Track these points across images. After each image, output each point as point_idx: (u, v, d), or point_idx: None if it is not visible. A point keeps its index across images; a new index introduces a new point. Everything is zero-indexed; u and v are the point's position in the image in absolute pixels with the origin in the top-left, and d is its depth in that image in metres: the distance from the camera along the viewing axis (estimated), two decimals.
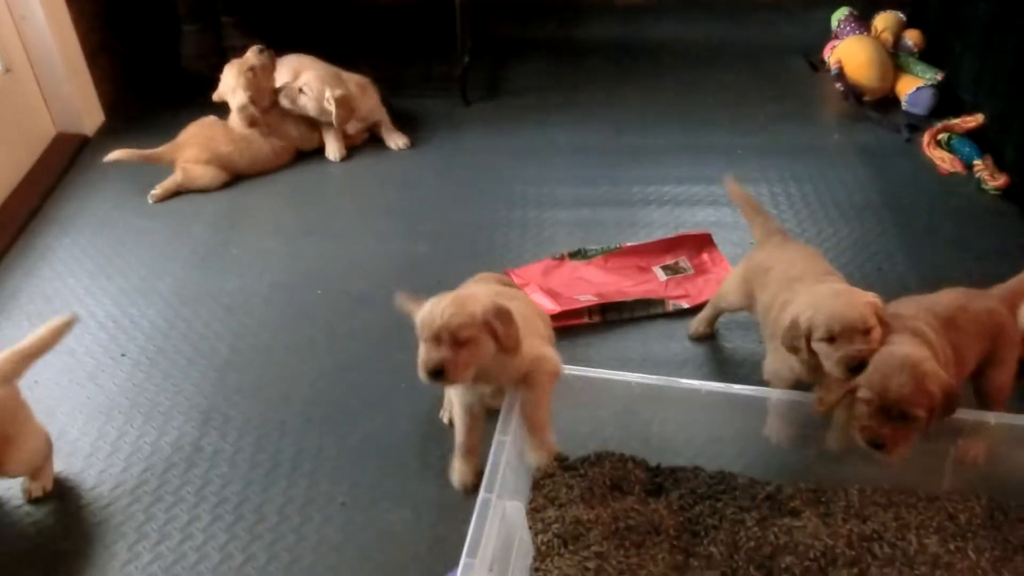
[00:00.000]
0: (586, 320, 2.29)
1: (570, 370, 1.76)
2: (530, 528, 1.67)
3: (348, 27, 3.73)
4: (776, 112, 3.21)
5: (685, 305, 2.31)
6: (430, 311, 1.60)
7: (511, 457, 1.60)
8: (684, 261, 2.47)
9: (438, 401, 2.05)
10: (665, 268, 2.45)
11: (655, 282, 2.41)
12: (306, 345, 2.26)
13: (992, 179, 2.75)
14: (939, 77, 3.15)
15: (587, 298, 2.32)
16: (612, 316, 2.30)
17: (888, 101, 3.23)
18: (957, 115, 2.98)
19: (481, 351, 1.60)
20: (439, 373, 1.58)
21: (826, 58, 3.43)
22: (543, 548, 1.63)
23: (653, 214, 2.67)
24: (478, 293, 1.70)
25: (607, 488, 1.74)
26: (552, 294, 2.34)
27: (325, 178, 2.94)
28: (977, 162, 2.82)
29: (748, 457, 1.81)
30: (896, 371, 1.55)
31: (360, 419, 2.05)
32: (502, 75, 3.48)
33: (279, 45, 3.04)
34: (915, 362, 1.56)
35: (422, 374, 1.60)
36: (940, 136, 2.96)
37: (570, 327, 2.26)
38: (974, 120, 2.93)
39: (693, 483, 1.75)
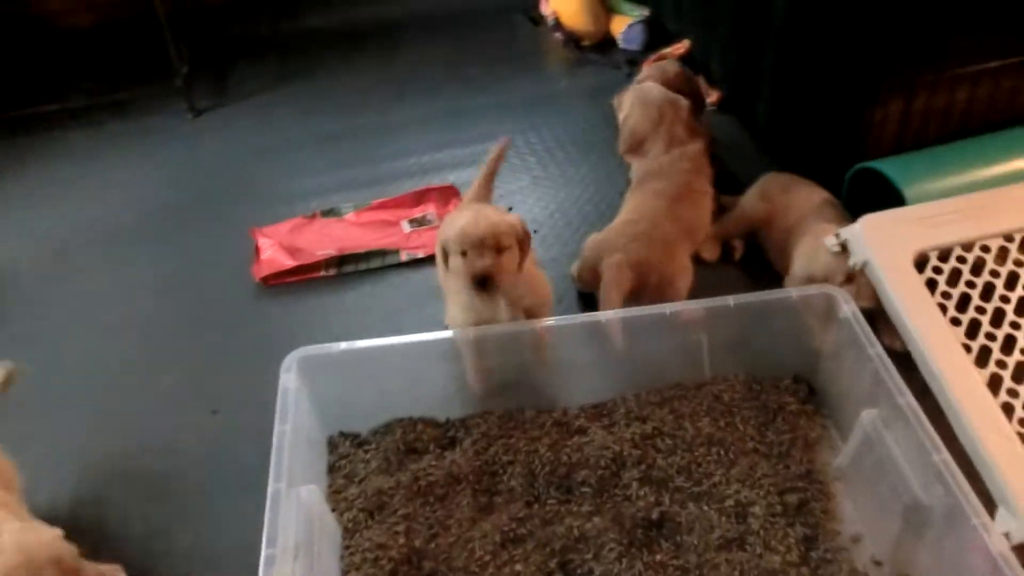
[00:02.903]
0: (322, 273, 2.33)
1: (340, 346, 1.73)
2: (333, 510, 1.64)
3: (50, 56, 3.46)
4: (507, 69, 3.30)
5: (420, 255, 2.38)
6: (473, 220, 1.63)
7: (297, 443, 1.56)
8: (432, 214, 2.52)
9: None
10: (412, 221, 2.51)
11: (399, 235, 2.46)
12: (66, 392, 2.09)
13: (707, 96, 2.98)
14: (646, 12, 3.36)
15: (326, 252, 2.35)
16: (348, 268, 2.35)
17: (606, 42, 3.40)
18: (668, 44, 3.19)
19: (514, 261, 1.67)
20: (485, 281, 1.63)
21: (543, 11, 3.57)
22: (350, 525, 1.62)
23: (404, 186, 2.68)
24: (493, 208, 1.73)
25: (403, 453, 1.75)
26: (292, 251, 2.36)
27: (56, 212, 2.70)
28: None
29: (534, 390, 1.85)
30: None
31: (137, 456, 1.92)
32: (230, 79, 3.35)
33: None
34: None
35: (468, 282, 1.64)
36: None
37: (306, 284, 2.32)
38: (682, 46, 3.15)
39: (484, 427, 1.79)
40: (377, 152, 2.88)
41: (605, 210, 2.15)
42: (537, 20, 3.59)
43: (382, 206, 2.56)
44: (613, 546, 1.53)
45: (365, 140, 2.95)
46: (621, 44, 3.36)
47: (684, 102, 2.34)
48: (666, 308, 1.76)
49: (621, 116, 2.30)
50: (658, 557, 1.52)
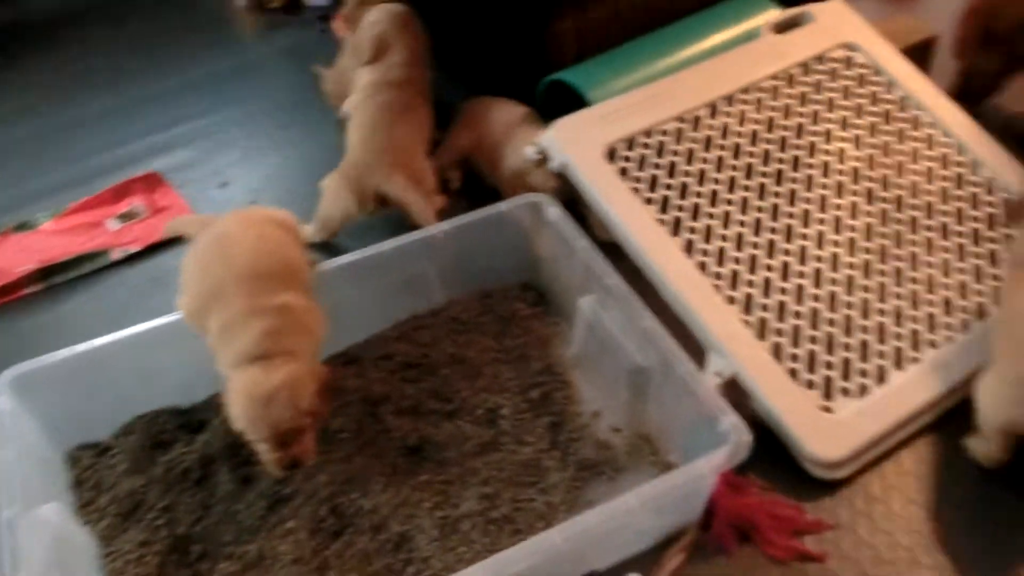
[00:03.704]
0: (26, 291, 2.15)
1: (59, 355, 1.62)
2: (86, 523, 1.56)
3: None
4: (194, 44, 3.16)
5: (134, 250, 2.25)
6: (260, 414, 1.39)
7: (26, 467, 1.46)
8: (138, 205, 2.39)
9: None
10: (120, 217, 2.37)
11: (107, 235, 2.31)
12: None
13: None
14: None
15: (25, 268, 2.17)
16: (57, 279, 2.18)
17: (293, 2, 3.34)
18: None
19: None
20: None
21: None
22: (106, 533, 1.55)
23: (105, 183, 2.50)
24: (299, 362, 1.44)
25: (150, 449, 1.68)
26: None
27: None
28: None
29: None
30: None
31: None
32: None
33: None
34: None
35: (277, 473, 1.46)
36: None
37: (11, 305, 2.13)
38: None
39: None
40: (67, 152, 2.66)
41: (322, 165, 2.14)
42: None
43: (81, 208, 2.39)
44: (379, 479, 1.57)
45: (50, 141, 2.72)
46: (309, 1, 3.31)
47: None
48: (384, 246, 1.79)
49: (365, 31, 2.26)
50: (422, 478, 1.59)
